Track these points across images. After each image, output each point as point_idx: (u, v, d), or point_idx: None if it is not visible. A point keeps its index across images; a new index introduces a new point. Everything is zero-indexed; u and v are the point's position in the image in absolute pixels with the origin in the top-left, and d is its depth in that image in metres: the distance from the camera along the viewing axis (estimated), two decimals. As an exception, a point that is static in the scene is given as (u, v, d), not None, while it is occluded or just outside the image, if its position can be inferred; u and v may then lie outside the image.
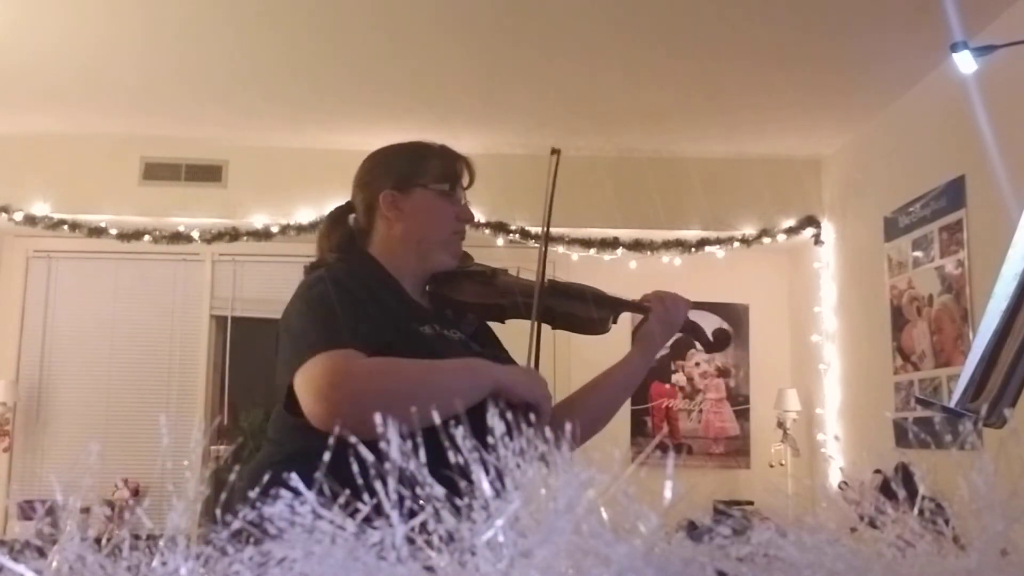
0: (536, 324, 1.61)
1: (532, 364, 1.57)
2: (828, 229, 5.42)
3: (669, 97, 4.67)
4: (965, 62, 3.05)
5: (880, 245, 4.72)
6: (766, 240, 5.44)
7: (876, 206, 4.79)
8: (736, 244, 5.45)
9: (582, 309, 1.78)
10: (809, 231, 5.44)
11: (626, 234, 5.43)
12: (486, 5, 3.79)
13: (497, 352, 1.70)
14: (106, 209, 5.21)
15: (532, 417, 1.35)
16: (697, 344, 1.99)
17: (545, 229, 1.78)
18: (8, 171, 5.17)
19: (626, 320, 1.86)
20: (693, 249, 5.44)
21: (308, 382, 1.38)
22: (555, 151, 1.81)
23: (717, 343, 2.00)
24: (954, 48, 3.04)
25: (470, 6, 3.80)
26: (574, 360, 5.64)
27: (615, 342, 1.99)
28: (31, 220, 5.17)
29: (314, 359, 1.38)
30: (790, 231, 5.44)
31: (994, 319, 1.10)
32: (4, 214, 5.14)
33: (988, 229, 3.80)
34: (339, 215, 1.74)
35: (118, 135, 5.13)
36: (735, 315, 5.78)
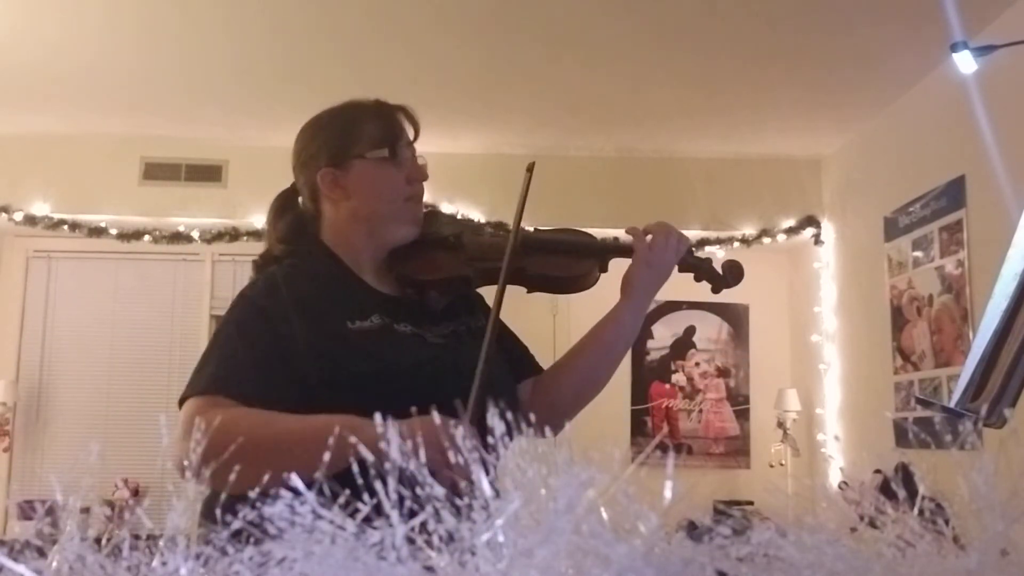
0: (497, 303, 1.38)
1: (487, 347, 1.31)
2: (828, 229, 5.42)
3: (669, 97, 4.67)
4: (965, 62, 3.05)
5: (880, 245, 4.72)
6: (766, 240, 5.44)
7: (876, 206, 4.79)
8: (736, 244, 5.45)
9: (558, 265, 1.58)
10: (809, 231, 5.44)
11: (626, 234, 5.42)
12: (486, 5, 3.79)
13: (471, 323, 1.54)
14: (106, 209, 5.21)
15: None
16: (706, 283, 1.66)
17: (512, 241, 1.48)
18: (8, 171, 5.17)
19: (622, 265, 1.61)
20: (693, 249, 5.44)
21: (177, 423, 1.31)
22: (531, 168, 1.61)
23: (729, 276, 1.67)
24: (954, 48, 3.04)
25: (470, 6, 3.80)
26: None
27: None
28: (31, 220, 5.17)
29: (188, 402, 1.32)
30: (790, 231, 5.44)
31: (994, 319, 1.10)
32: (4, 214, 5.14)
33: (988, 229, 3.80)
34: (285, 201, 1.60)
35: (118, 135, 5.12)
36: (735, 315, 5.78)
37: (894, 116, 4.67)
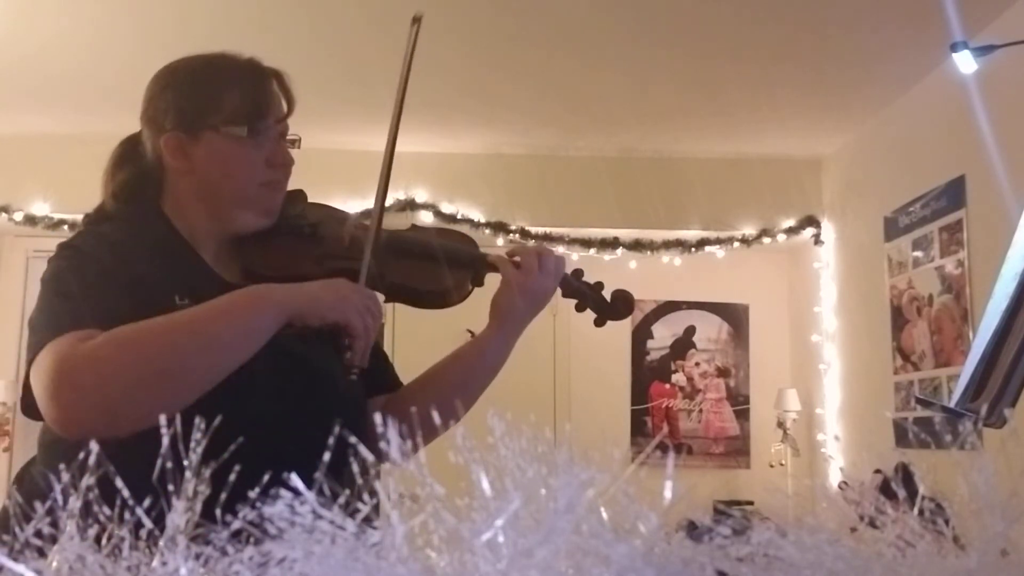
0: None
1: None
2: (828, 229, 5.42)
3: (669, 97, 4.67)
4: (965, 62, 3.05)
5: (880, 245, 4.72)
6: (766, 240, 5.44)
7: (876, 206, 4.79)
8: (736, 244, 5.45)
9: (423, 275, 1.36)
10: (809, 231, 5.44)
11: (626, 234, 5.43)
12: (486, 5, 3.79)
13: None
14: (106, 209, 5.21)
15: (347, 342, 1.14)
16: (589, 311, 1.47)
17: (397, 111, 1.35)
18: (8, 171, 5.17)
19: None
20: (693, 249, 5.44)
21: (37, 383, 1.10)
22: (416, 19, 1.38)
23: (618, 306, 1.47)
24: (954, 48, 3.04)
25: (470, 6, 3.80)
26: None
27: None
28: (31, 220, 5.17)
29: (42, 353, 1.10)
30: (790, 231, 5.45)
31: (994, 319, 1.10)
32: (4, 214, 5.15)
33: (988, 229, 3.80)
34: (127, 151, 1.38)
35: (118, 135, 5.09)
36: (735, 315, 5.78)
37: (894, 116, 4.67)
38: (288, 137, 1.34)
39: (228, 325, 1.11)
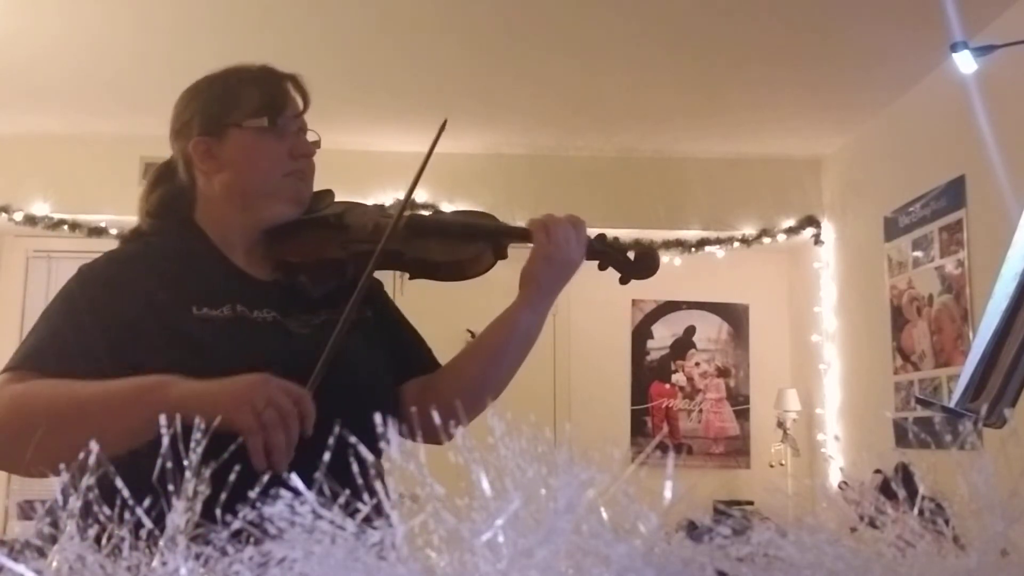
0: (361, 289, 1.26)
1: (335, 339, 1.19)
2: (828, 229, 5.42)
3: (669, 97, 4.67)
4: (965, 62, 3.05)
5: (880, 245, 4.72)
6: (766, 240, 5.44)
7: (876, 206, 4.79)
8: (736, 244, 5.45)
9: (442, 249, 1.41)
10: (809, 231, 5.44)
11: (626, 234, 5.42)
12: (486, 5, 3.79)
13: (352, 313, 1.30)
14: (106, 209, 5.20)
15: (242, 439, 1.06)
16: (615, 271, 1.49)
17: (407, 195, 1.40)
18: (8, 171, 5.17)
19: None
20: (693, 249, 5.44)
21: None
22: (443, 125, 1.50)
23: (640, 266, 1.49)
24: (954, 48, 3.04)
25: (470, 6, 3.80)
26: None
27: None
28: (31, 220, 5.17)
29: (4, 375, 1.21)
30: (790, 231, 5.44)
31: (994, 319, 1.10)
32: (4, 214, 5.14)
33: (988, 229, 3.80)
34: (162, 172, 1.45)
35: (118, 135, 5.12)
36: (735, 315, 5.78)
37: (894, 116, 4.67)
38: (308, 136, 1.42)
39: (115, 419, 1.12)
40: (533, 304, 1.43)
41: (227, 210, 1.38)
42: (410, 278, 1.42)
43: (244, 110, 1.36)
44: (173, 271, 1.31)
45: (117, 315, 1.24)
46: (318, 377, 1.14)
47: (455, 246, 1.42)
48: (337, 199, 1.49)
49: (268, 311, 1.32)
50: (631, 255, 1.50)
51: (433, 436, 0.90)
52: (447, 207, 5.13)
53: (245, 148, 1.36)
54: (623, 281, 1.50)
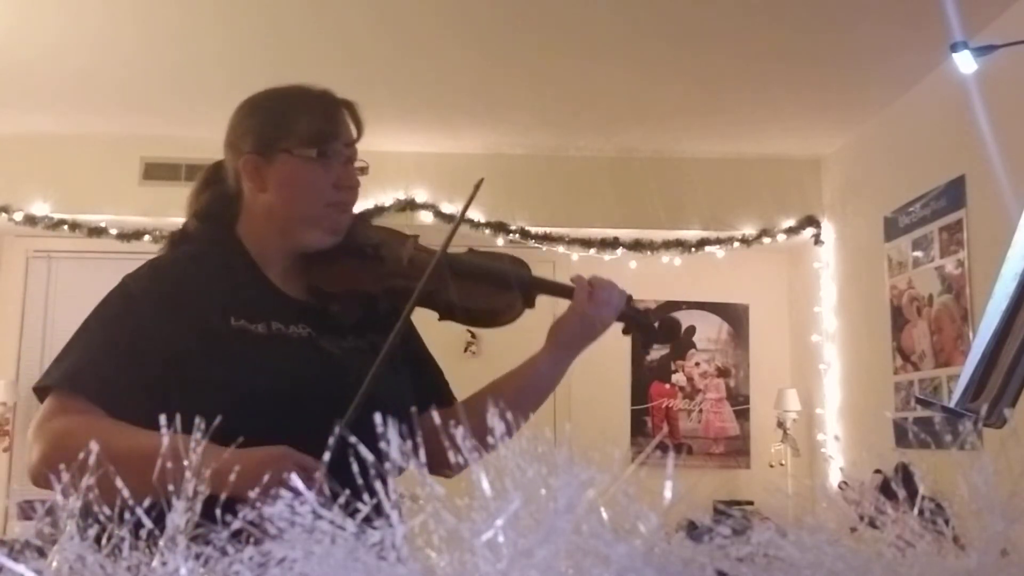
0: (402, 323, 1.26)
1: (376, 367, 1.19)
2: (828, 229, 5.42)
3: (669, 96, 4.67)
4: (965, 62, 3.05)
5: (880, 245, 4.72)
6: (766, 240, 5.44)
7: (876, 206, 4.79)
8: (736, 244, 5.45)
9: (476, 294, 1.43)
10: (809, 231, 5.44)
11: (626, 234, 5.43)
12: (487, 4, 3.79)
13: (379, 342, 1.31)
14: (106, 209, 5.21)
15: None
16: (639, 335, 1.58)
17: (444, 245, 1.38)
18: (8, 171, 5.17)
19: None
20: (693, 249, 5.44)
21: (33, 421, 1.28)
22: (480, 181, 1.47)
23: (661, 333, 1.59)
24: (954, 48, 3.04)
25: (471, 5, 3.80)
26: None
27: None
28: (31, 220, 5.17)
29: (48, 399, 1.27)
30: (790, 231, 5.44)
31: (994, 319, 1.10)
32: (4, 214, 5.14)
33: (988, 229, 3.80)
34: (212, 174, 1.48)
35: (118, 135, 5.12)
36: (735, 315, 5.78)
37: (894, 116, 4.67)
38: (356, 164, 1.43)
39: (142, 478, 1.14)
40: (558, 359, 1.49)
41: (267, 230, 1.41)
42: (439, 319, 1.43)
43: (296, 137, 1.38)
44: (213, 285, 1.35)
45: (159, 342, 1.27)
46: (354, 413, 1.13)
47: (490, 294, 1.44)
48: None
49: (303, 326, 1.35)
50: (656, 323, 1.56)
51: (440, 469, 0.91)
52: (447, 207, 5.13)
53: (291, 175, 1.38)
54: (644, 347, 1.58)
